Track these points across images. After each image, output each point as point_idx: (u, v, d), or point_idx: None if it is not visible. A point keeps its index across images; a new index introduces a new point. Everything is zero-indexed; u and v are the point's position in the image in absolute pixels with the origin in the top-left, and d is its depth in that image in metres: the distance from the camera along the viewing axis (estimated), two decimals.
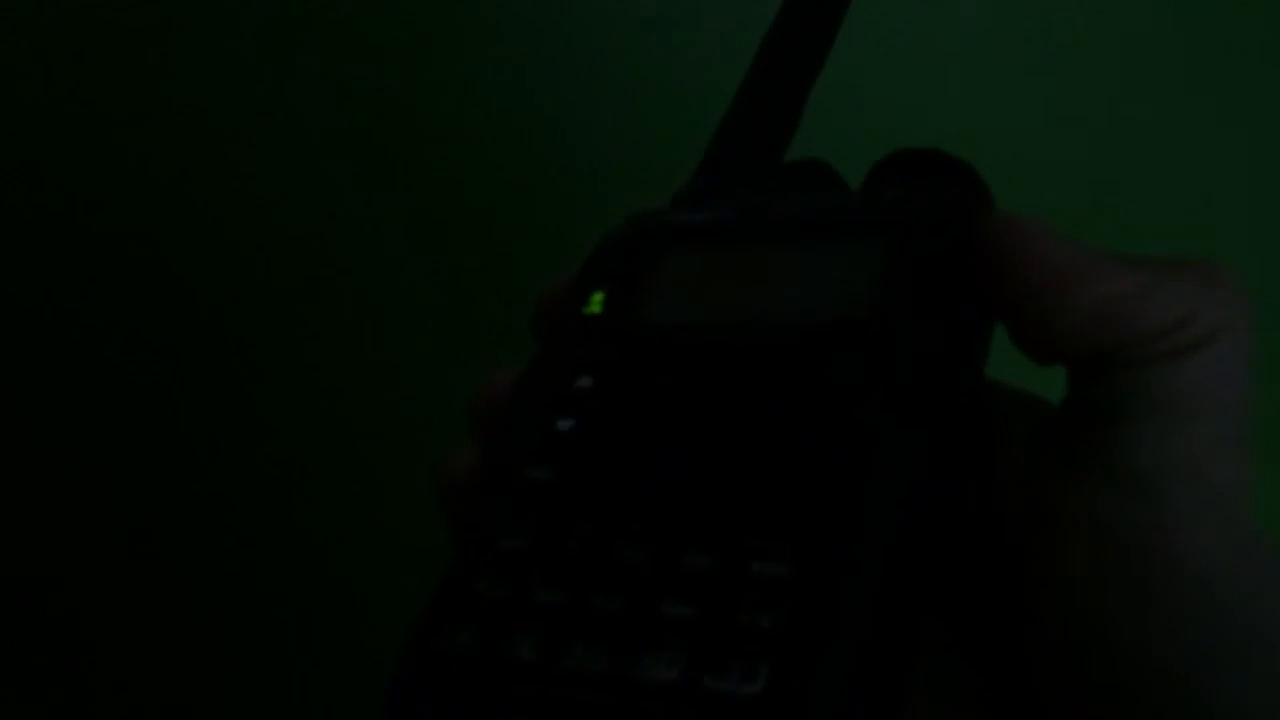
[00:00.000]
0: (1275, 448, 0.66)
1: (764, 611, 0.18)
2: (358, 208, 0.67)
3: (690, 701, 0.17)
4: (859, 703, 0.17)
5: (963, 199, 0.23)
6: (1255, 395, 0.20)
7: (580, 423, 0.22)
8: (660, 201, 0.28)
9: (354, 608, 0.77)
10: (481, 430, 0.24)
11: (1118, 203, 0.68)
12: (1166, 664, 0.18)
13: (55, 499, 0.74)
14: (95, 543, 0.75)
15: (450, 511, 0.24)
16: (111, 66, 0.65)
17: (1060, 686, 0.19)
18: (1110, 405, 0.19)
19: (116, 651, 0.77)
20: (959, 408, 0.20)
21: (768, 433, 0.20)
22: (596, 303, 0.24)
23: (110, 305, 0.69)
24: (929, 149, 0.25)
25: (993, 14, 0.66)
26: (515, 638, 0.19)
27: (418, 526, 0.73)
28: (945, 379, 0.20)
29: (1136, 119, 0.68)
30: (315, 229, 0.67)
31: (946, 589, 0.22)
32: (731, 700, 0.17)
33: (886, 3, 0.64)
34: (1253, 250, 0.70)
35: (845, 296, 0.21)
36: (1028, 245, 0.20)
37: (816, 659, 0.17)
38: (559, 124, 0.66)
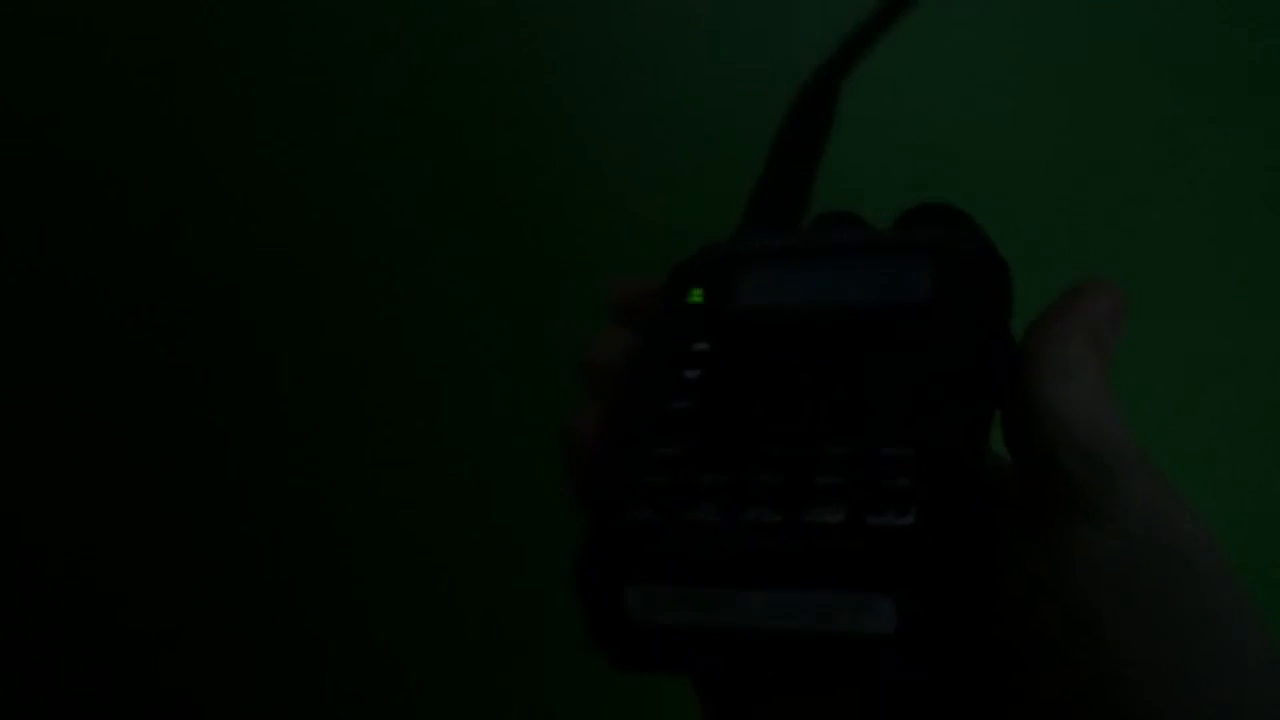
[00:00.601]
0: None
1: (901, 476, 0.23)
2: (387, 197, 0.69)
3: (858, 535, 0.22)
4: (978, 529, 0.22)
5: (974, 232, 0.31)
6: (1255, 396, 0.26)
7: (708, 371, 0.27)
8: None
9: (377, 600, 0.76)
10: (602, 389, 0.28)
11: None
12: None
13: (84, 489, 0.73)
14: (118, 530, 0.74)
15: (574, 467, 0.28)
16: (152, 62, 0.67)
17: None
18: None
19: (137, 642, 0.76)
20: (999, 361, 0.27)
21: (867, 370, 0.25)
22: (696, 296, 0.29)
23: (147, 298, 0.69)
24: (943, 202, 0.32)
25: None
26: (694, 507, 0.23)
27: (439, 516, 0.74)
28: (989, 342, 0.27)
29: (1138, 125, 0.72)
30: (348, 221, 0.69)
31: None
32: (891, 532, 0.22)
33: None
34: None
35: (907, 289, 0.28)
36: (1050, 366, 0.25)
37: (951, 499, 0.22)
38: (579, 119, 0.69)
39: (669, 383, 0.27)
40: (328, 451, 0.73)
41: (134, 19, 0.66)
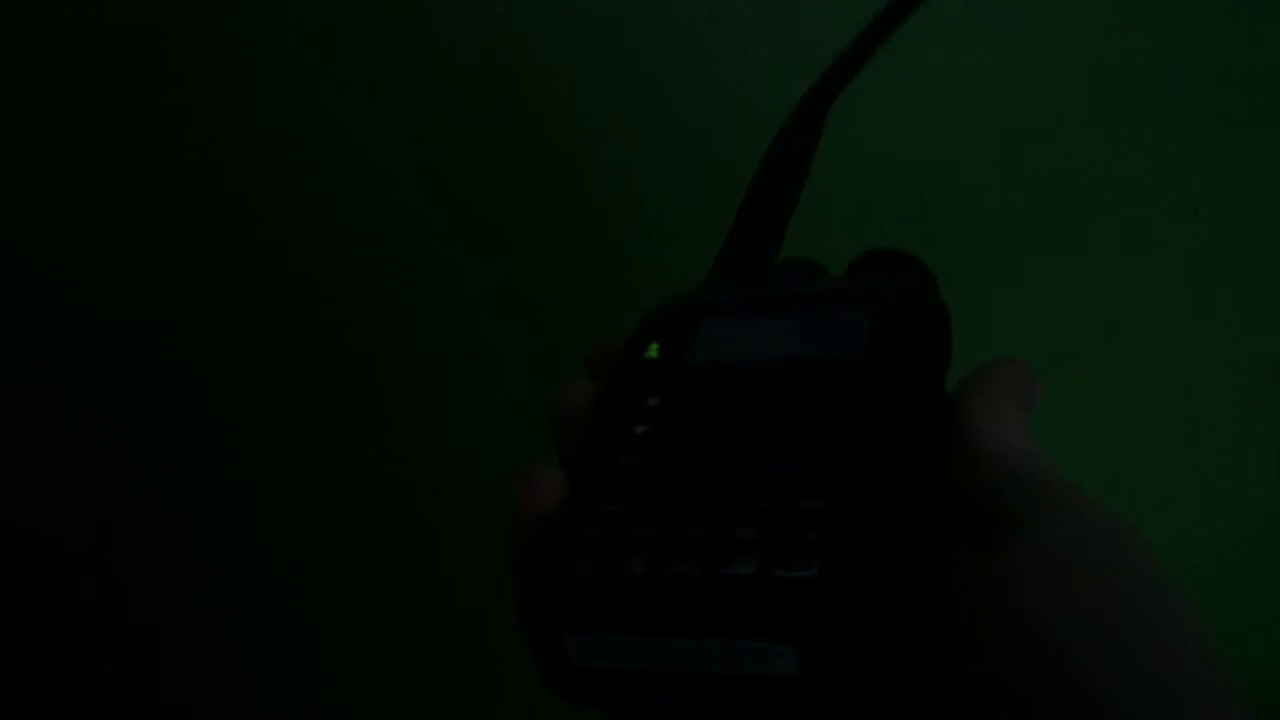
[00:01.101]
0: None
1: (811, 528, 0.25)
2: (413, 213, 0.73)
3: (766, 586, 0.24)
4: (884, 581, 0.24)
5: (919, 280, 0.32)
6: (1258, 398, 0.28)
7: (654, 427, 0.29)
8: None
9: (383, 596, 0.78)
10: (566, 439, 0.31)
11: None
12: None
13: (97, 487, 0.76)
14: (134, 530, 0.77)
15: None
16: (179, 72, 0.70)
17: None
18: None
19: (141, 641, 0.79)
20: (927, 404, 0.28)
21: (797, 425, 0.28)
22: (653, 350, 0.32)
23: (160, 298, 0.73)
24: (893, 249, 0.34)
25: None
26: (626, 560, 0.26)
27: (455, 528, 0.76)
28: (918, 390, 0.28)
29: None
30: (375, 234, 0.72)
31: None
32: (795, 583, 0.24)
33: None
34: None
35: (843, 343, 0.30)
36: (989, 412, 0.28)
37: (855, 549, 0.24)
38: (603, 138, 0.72)
39: (621, 438, 0.29)
40: (335, 452, 0.76)
41: (157, 27, 0.69)
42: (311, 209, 0.72)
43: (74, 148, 0.70)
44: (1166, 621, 0.23)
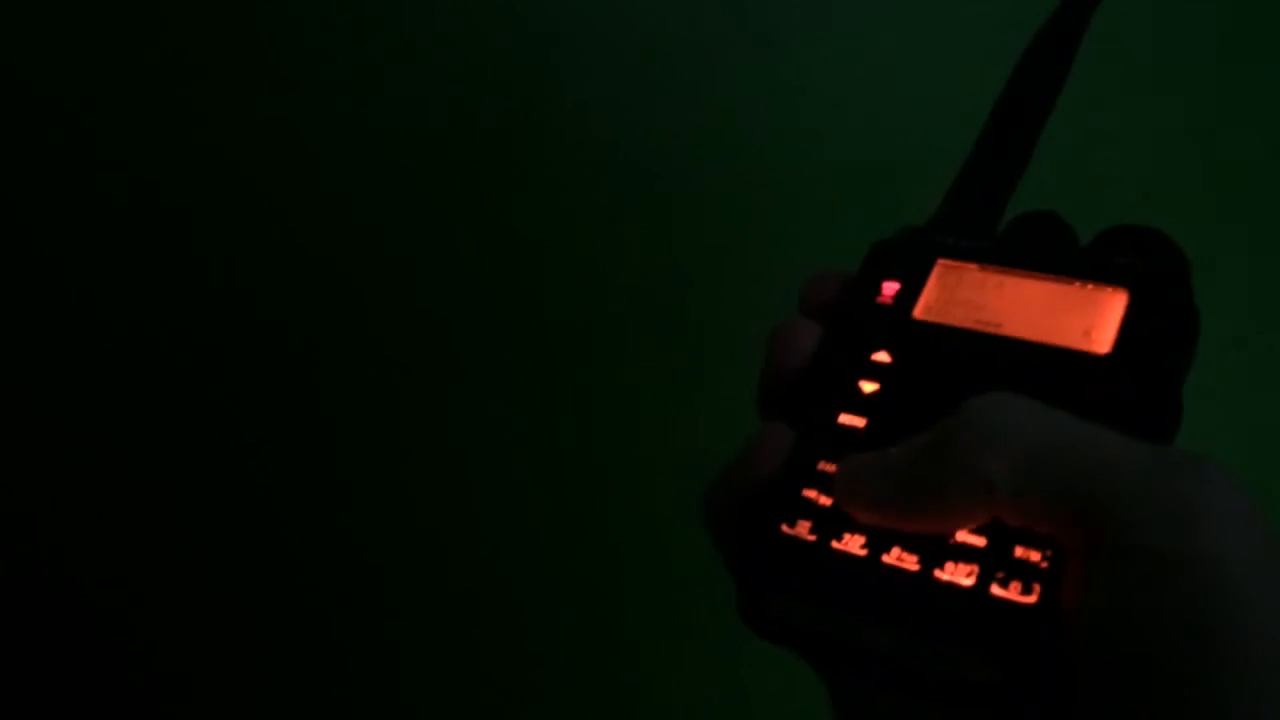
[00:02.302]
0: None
1: (1035, 549, 0.25)
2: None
3: (976, 603, 0.25)
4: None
5: (1177, 271, 0.31)
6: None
7: (882, 389, 0.29)
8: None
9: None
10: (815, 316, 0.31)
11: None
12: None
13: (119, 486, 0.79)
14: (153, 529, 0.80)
15: (770, 374, 0.31)
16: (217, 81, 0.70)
17: None
18: None
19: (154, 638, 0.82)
20: (1169, 418, 0.28)
21: None
22: (888, 295, 0.31)
23: (174, 304, 0.75)
24: (1149, 227, 0.32)
25: None
26: (844, 535, 0.27)
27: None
28: (1164, 402, 0.28)
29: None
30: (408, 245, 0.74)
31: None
32: (1010, 607, 0.25)
33: None
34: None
35: (1090, 331, 0.29)
36: None
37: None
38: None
39: (846, 393, 0.30)
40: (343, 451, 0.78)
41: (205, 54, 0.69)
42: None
43: (84, 136, 0.70)
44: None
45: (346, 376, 0.76)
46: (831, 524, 0.27)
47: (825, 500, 0.28)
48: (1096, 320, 0.29)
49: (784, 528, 0.27)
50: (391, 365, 0.76)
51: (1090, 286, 0.30)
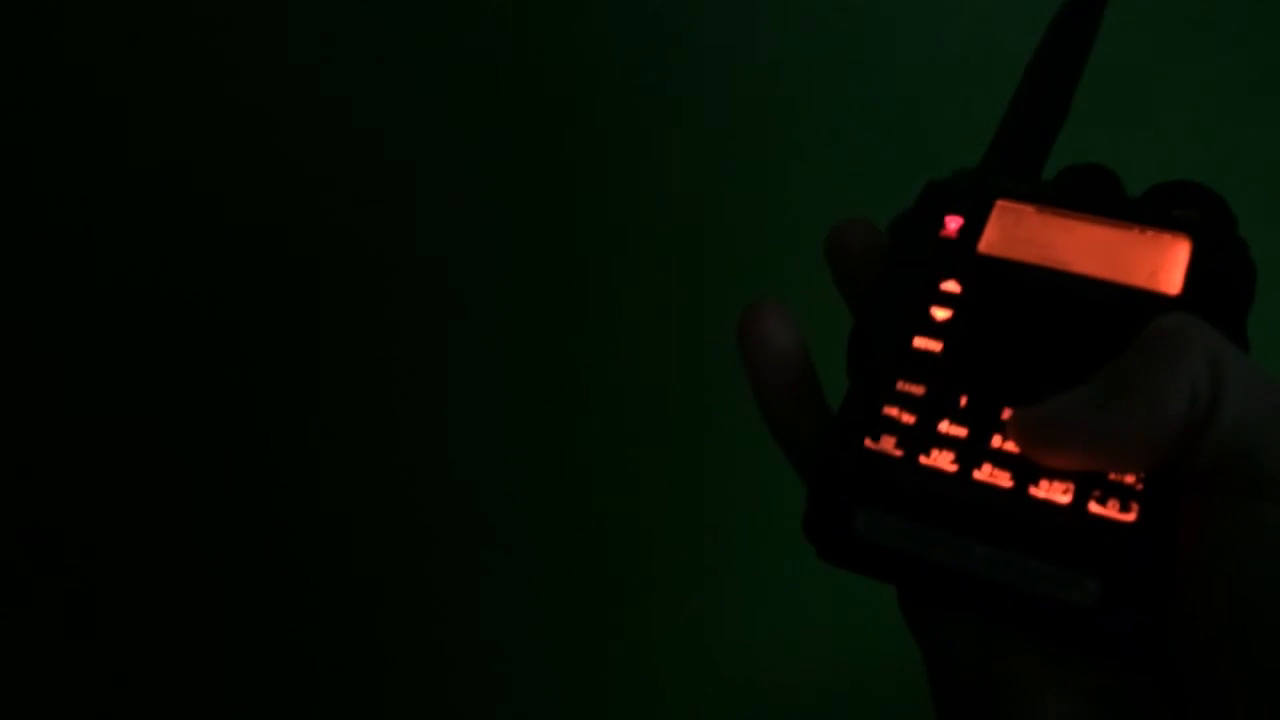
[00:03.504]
0: None
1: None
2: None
3: (1075, 519, 0.25)
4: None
5: (1228, 222, 0.31)
6: None
7: (957, 315, 0.29)
8: None
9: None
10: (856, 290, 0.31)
11: None
12: None
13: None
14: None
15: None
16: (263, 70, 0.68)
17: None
18: None
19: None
20: None
21: (1110, 354, 0.27)
22: (951, 229, 0.31)
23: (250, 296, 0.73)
24: (1200, 183, 0.33)
25: None
26: (933, 451, 0.26)
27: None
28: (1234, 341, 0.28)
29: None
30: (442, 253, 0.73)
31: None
32: (1109, 524, 0.24)
33: None
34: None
35: (1160, 276, 0.29)
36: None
37: (1166, 506, 0.25)
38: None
39: (918, 318, 0.29)
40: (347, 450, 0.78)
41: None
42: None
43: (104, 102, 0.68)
44: None
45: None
46: (917, 440, 0.26)
47: (908, 418, 0.27)
48: (1162, 263, 0.29)
49: (868, 442, 0.27)
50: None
51: (1152, 232, 0.30)
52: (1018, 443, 0.26)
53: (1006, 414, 0.27)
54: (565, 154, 0.73)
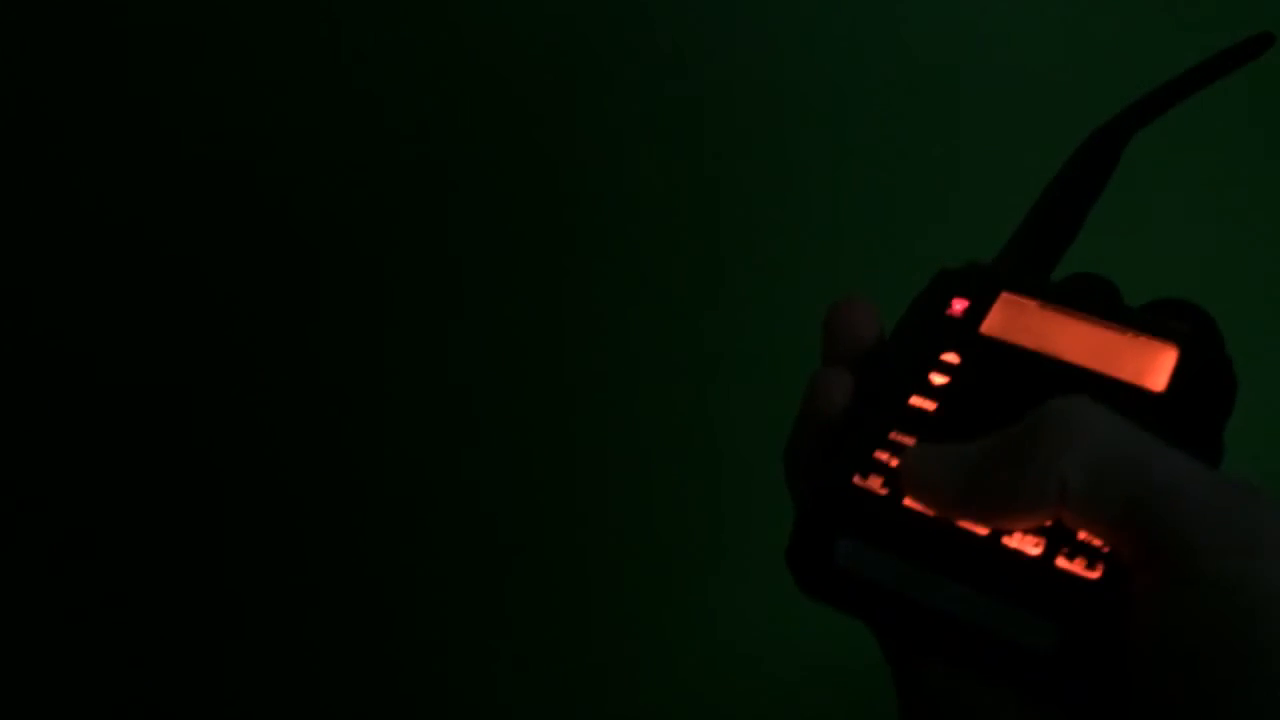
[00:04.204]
0: None
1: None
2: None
3: (1041, 573, 0.26)
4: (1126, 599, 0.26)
5: (1212, 335, 0.34)
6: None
7: (953, 383, 0.31)
8: None
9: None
10: (850, 358, 0.32)
11: None
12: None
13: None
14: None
15: (812, 424, 0.31)
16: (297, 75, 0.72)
17: None
18: None
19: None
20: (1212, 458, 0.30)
21: None
22: (957, 309, 0.33)
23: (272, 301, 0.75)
24: (1182, 300, 0.35)
25: None
26: None
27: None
28: (1208, 443, 0.30)
29: None
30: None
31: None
32: (1074, 579, 0.26)
33: None
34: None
35: (1144, 374, 0.31)
36: None
37: (1124, 573, 0.26)
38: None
39: (917, 381, 0.31)
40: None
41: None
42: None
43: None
44: None
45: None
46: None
47: (895, 463, 0.29)
48: (1150, 366, 0.31)
49: (856, 479, 0.28)
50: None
51: (1144, 337, 0.32)
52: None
53: None
54: (579, 152, 0.76)
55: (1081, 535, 0.27)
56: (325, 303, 0.76)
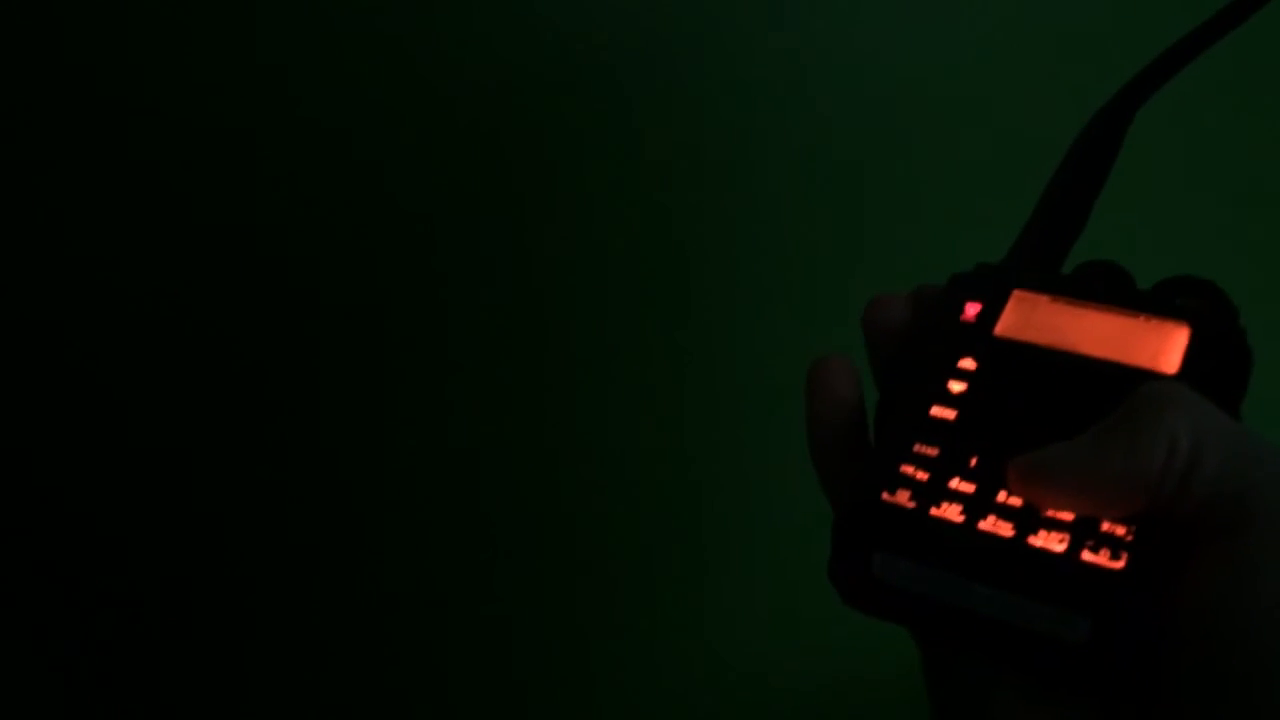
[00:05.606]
0: None
1: (1124, 524, 0.28)
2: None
3: (1068, 565, 0.27)
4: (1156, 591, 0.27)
5: (1227, 312, 0.34)
6: None
7: (970, 390, 0.32)
8: None
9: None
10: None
11: None
12: None
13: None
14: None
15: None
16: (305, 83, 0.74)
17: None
18: None
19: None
20: None
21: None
22: (970, 314, 0.34)
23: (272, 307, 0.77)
24: (1200, 278, 0.36)
25: None
26: (943, 504, 0.29)
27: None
28: None
29: None
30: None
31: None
32: (1099, 571, 0.27)
33: None
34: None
35: (1158, 356, 0.32)
36: None
37: (1157, 557, 0.27)
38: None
39: (936, 389, 0.32)
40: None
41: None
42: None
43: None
44: None
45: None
46: (929, 494, 0.29)
47: (922, 475, 0.30)
48: (1163, 347, 0.32)
49: (885, 495, 0.30)
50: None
51: (1155, 320, 0.33)
52: (1016, 484, 0.29)
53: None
54: (575, 159, 0.77)
55: (1105, 527, 0.28)
56: (325, 302, 0.77)
